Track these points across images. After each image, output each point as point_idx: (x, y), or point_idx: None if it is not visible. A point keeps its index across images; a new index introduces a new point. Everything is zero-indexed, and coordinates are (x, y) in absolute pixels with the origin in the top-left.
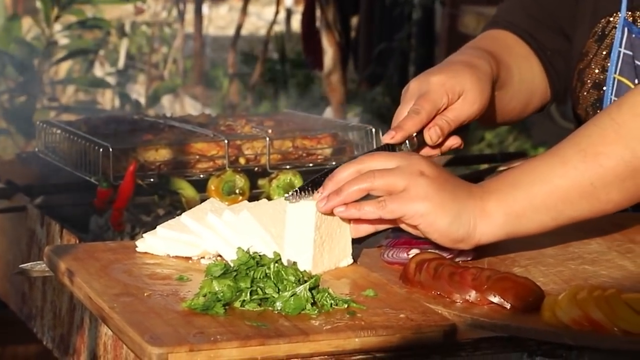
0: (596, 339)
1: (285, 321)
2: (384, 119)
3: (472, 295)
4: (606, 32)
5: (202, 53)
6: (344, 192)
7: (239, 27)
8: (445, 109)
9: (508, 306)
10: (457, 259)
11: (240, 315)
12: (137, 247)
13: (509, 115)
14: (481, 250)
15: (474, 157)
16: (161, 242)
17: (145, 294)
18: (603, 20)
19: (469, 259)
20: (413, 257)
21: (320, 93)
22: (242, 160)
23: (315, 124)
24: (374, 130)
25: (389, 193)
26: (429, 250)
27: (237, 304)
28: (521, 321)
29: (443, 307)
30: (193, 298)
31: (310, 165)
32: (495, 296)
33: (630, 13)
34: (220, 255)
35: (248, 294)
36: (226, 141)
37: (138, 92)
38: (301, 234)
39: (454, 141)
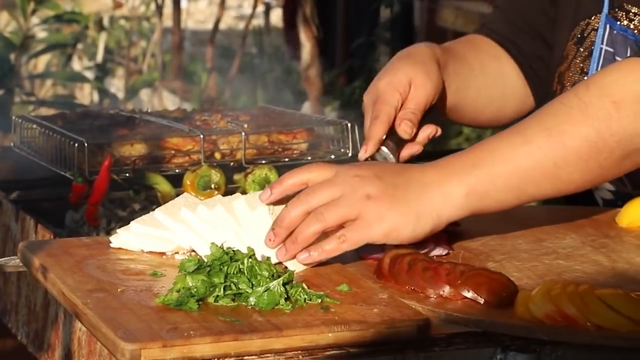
0: (569, 334)
1: (259, 316)
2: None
3: (446, 290)
4: (585, 35)
5: (181, 47)
6: (299, 240)
7: (217, 21)
8: (402, 104)
9: (482, 301)
10: (431, 254)
11: (214, 311)
12: (111, 242)
13: (481, 114)
14: (456, 246)
15: (452, 152)
16: (135, 237)
17: (119, 290)
18: (582, 22)
19: (443, 254)
20: (387, 252)
21: (299, 87)
22: (217, 155)
23: (291, 119)
24: (349, 125)
25: (344, 225)
26: (404, 246)
27: (210, 300)
28: (495, 316)
29: (417, 302)
30: (167, 294)
31: (286, 160)
32: (468, 291)
33: (612, 11)
34: (194, 251)
35: (222, 290)
36: (202, 136)
37: (117, 86)
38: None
39: (430, 129)
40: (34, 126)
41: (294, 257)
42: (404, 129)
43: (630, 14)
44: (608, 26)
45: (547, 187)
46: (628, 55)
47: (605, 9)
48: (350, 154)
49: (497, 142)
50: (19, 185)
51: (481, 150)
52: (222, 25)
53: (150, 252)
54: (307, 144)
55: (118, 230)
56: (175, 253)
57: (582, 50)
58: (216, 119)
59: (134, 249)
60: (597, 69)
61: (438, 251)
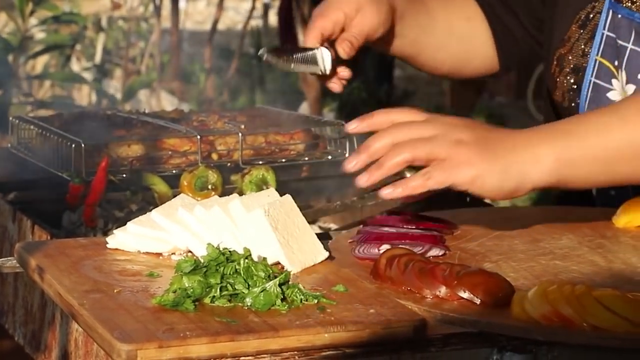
0: (566, 334)
1: (255, 317)
2: (360, 114)
3: (442, 290)
4: (590, 17)
5: (179, 48)
6: (386, 165)
7: (215, 22)
8: (344, 27)
9: (478, 302)
10: (427, 255)
11: (210, 311)
12: (107, 243)
13: (440, 66)
14: (453, 247)
15: None
16: (132, 238)
17: (115, 291)
18: (589, 5)
19: (440, 254)
20: (384, 252)
21: (297, 88)
22: (214, 156)
23: (288, 120)
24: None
25: (430, 163)
26: (400, 246)
27: (207, 300)
28: (491, 317)
29: (413, 303)
30: (163, 294)
31: (283, 160)
32: (465, 292)
33: None
34: (190, 251)
35: (218, 290)
36: (199, 137)
37: (115, 87)
38: (264, 239)
39: (344, 71)
40: (31, 127)
41: (375, 182)
42: (344, 48)
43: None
44: (611, 11)
45: (637, 166)
46: (632, 38)
47: None
48: (347, 155)
49: (590, 116)
50: (16, 186)
51: (572, 121)
52: (221, 26)
53: (147, 253)
54: (304, 145)
55: (115, 231)
56: (172, 254)
57: (584, 33)
58: (213, 120)
59: (131, 249)
60: (598, 54)
61: (434, 252)
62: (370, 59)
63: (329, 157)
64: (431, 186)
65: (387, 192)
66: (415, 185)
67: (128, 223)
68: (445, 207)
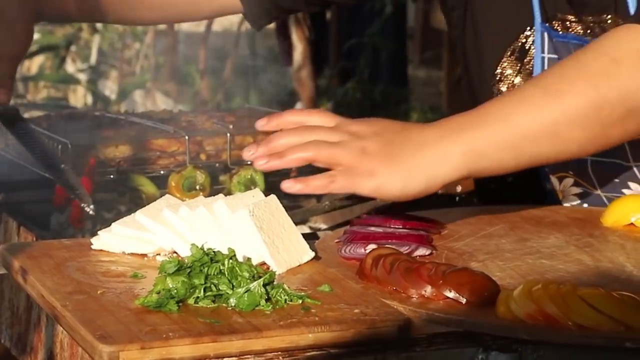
0: (551, 333)
1: (239, 317)
2: (355, 115)
3: (428, 290)
4: (526, 47)
5: (175, 49)
6: (286, 158)
7: (210, 23)
8: None
9: (463, 301)
10: (414, 255)
11: (194, 312)
12: (92, 244)
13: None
14: (440, 246)
15: None
16: (116, 239)
17: (99, 292)
18: (521, 36)
19: (426, 254)
20: (369, 252)
21: (292, 89)
22: (202, 156)
23: None
24: None
25: (331, 167)
26: (386, 246)
27: (191, 301)
28: (476, 316)
29: (399, 303)
30: (146, 295)
31: None
32: (450, 291)
33: (547, 24)
34: (175, 252)
35: (202, 291)
36: (187, 137)
37: (110, 88)
38: (249, 239)
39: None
40: None
41: (272, 169)
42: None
43: (566, 22)
44: (546, 35)
45: (547, 146)
46: None
47: (538, 20)
48: None
49: (495, 102)
50: (3, 188)
51: (479, 111)
52: (216, 27)
53: (132, 254)
54: None
55: (99, 232)
56: (157, 254)
57: (523, 66)
58: (202, 120)
59: (115, 250)
60: None
61: (421, 251)
62: (364, 59)
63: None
64: (333, 190)
65: (286, 186)
66: (317, 184)
67: (112, 224)
68: (432, 207)
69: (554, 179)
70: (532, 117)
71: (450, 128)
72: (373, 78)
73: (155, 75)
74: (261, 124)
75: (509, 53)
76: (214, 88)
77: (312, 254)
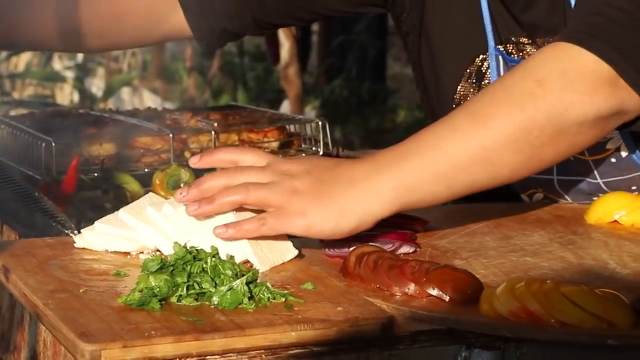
0: (534, 330)
1: (222, 316)
2: (342, 112)
3: (411, 288)
4: (482, 70)
5: (163, 46)
6: (216, 202)
7: None
8: None
9: (447, 299)
10: (398, 252)
11: (177, 311)
12: (75, 242)
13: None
14: (424, 244)
15: None
16: (99, 237)
17: (81, 290)
18: (477, 60)
19: (410, 251)
20: (353, 250)
21: (279, 86)
22: (187, 154)
23: (262, 117)
24: (320, 123)
25: (262, 208)
26: (370, 244)
27: (173, 299)
28: (459, 313)
29: (382, 300)
30: (129, 294)
31: None
32: (433, 289)
33: (501, 47)
34: (159, 250)
35: (185, 289)
36: (171, 135)
37: (97, 86)
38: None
39: None
40: (2, 126)
41: (203, 214)
42: None
43: (520, 45)
44: (501, 58)
45: (479, 173)
46: None
47: (492, 44)
48: (321, 152)
49: (425, 133)
50: None
51: (410, 143)
52: None
53: (115, 252)
54: (279, 143)
55: (82, 231)
56: (140, 253)
57: (482, 87)
58: (186, 118)
59: (98, 249)
60: None
61: (405, 249)
62: (352, 56)
63: (303, 155)
64: (264, 232)
65: (219, 232)
66: (248, 229)
67: (95, 222)
68: None
69: (524, 197)
70: (461, 145)
71: (381, 163)
72: (360, 76)
73: (142, 72)
74: (194, 162)
75: (466, 77)
76: (201, 86)
77: (296, 252)
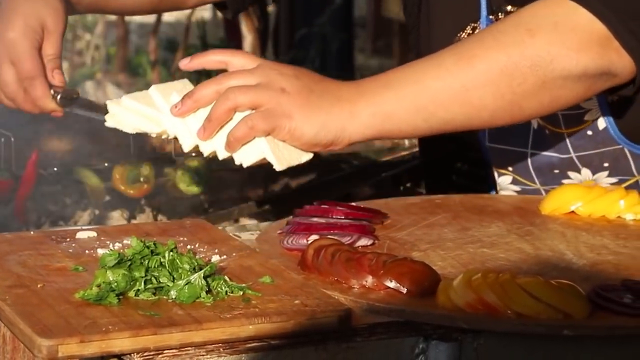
0: (490, 322)
1: (180, 310)
2: None
3: (369, 280)
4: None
5: (126, 40)
6: (212, 118)
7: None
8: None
9: (404, 291)
10: (356, 245)
11: (134, 305)
12: (105, 121)
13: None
14: (382, 236)
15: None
16: (127, 115)
17: (39, 286)
18: (469, 27)
19: (368, 244)
20: (311, 243)
21: None
22: (147, 149)
23: None
24: None
25: (253, 109)
26: (328, 236)
27: (131, 294)
28: (417, 306)
29: (340, 293)
30: (86, 288)
31: None
32: (391, 281)
33: (492, 17)
34: (176, 139)
35: (142, 284)
36: None
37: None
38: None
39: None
40: None
41: (211, 135)
42: (59, 79)
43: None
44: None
45: (457, 111)
46: None
47: (484, 13)
48: None
49: (409, 66)
50: None
51: (394, 73)
52: (168, 17)
53: (73, 246)
54: None
55: (108, 103)
56: (162, 136)
57: None
58: None
59: (127, 129)
60: None
61: (363, 241)
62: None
63: None
64: (256, 135)
65: (199, 132)
66: (240, 135)
67: (123, 97)
68: (376, 197)
69: (496, 179)
70: (442, 82)
71: (365, 88)
72: (323, 67)
73: (106, 66)
74: (184, 63)
75: (456, 40)
76: (165, 79)
77: (311, 155)
